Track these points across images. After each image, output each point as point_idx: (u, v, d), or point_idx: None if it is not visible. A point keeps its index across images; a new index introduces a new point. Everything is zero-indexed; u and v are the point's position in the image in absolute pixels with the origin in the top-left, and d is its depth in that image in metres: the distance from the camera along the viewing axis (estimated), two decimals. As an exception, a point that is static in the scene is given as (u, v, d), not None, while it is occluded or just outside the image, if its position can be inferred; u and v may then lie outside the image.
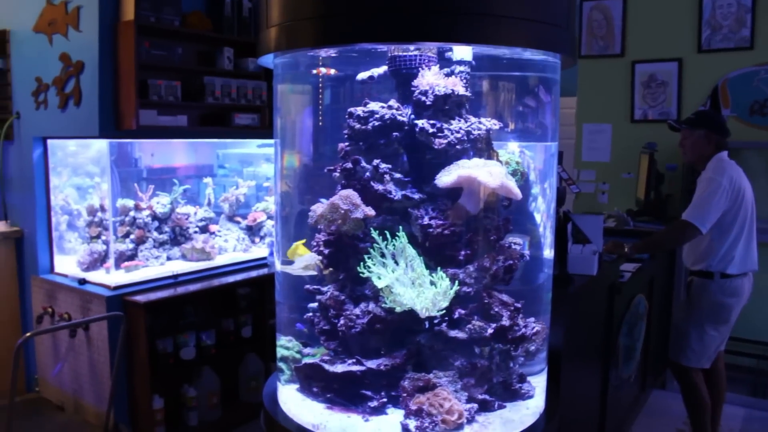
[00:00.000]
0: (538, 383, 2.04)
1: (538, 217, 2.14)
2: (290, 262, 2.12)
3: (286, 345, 2.10)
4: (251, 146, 4.77)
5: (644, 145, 4.89)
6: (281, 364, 2.08)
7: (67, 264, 4.08)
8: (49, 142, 4.06)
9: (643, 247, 3.60)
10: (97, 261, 3.95)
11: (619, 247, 3.48)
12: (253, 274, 4.15)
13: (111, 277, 3.75)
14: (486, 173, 1.82)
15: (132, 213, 4.03)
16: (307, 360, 1.99)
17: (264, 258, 4.40)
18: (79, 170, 4.21)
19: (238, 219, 4.60)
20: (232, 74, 4.20)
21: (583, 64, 5.28)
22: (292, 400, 1.98)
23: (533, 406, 1.96)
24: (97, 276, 3.81)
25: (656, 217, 4.76)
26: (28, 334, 3.27)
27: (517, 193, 1.89)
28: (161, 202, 4.13)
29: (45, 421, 3.67)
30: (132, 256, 3.95)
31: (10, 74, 4.16)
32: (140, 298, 3.54)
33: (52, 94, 3.86)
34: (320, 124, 2.12)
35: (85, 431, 3.52)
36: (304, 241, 2.11)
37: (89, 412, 3.73)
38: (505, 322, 1.87)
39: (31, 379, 4.24)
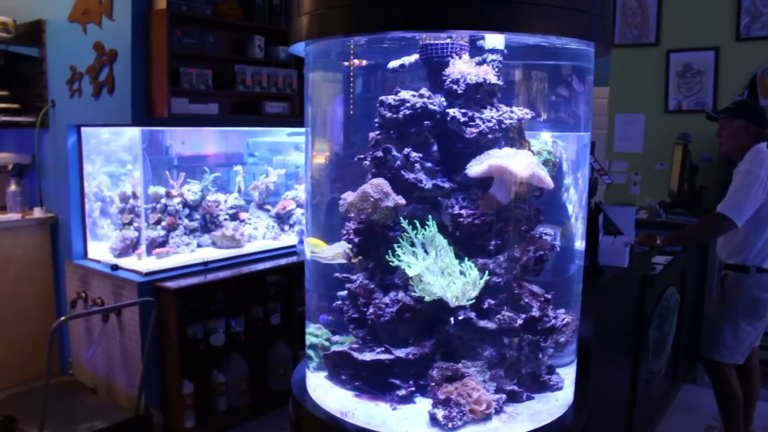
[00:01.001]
0: (567, 375, 2.03)
1: (569, 208, 2.12)
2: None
3: (315, 332, 2.11)
4: (281, 134, 4.79)
5: (678, 136, 4.81)
6: (310, 352, 2.09)
7: (100, 250, 4.15)
8: (83, 129, 4.12)
9: (675, 239, 3.55)
10: (129, 247, 4.00)
11: (651, 239, 3.43)
12: (283, 261, 4.17)
13: (142, 263, 3.81)
14: (517, 163, 1.80)
15: (163, 200, 4.08)
16: (335, 348, 2.00)
17: (293, 246, 4.42)
18: (111, 158, 4.26)
19: (268, 207, 4.63)
20: (262, 62, 4.21)
21: (617, 53, 5.20)
22: (320, 387, 1.99)
23: (562, 398, 1.95)
24: (129, 262, 3.87)
25: (689, 210, 4.68)
26: (62, 318, 3.33)
27: (549, 183, 1.87)
28: (192, 190, 4.17)
29: (78, 403, 3.74)
30: (163, 243, 4.00)
31: (45, 63, 4.22)
32: (171, 284, 3.58)
33: (86, 82, 3.91)
34: (351, 112, 2.12)
35: (116, 414, 3.57)
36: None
37: (121, 395, 3.80)
38: (535, 313, 1.86)
39: (65, 362, 4.33)
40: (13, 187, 4.29)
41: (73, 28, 3.97)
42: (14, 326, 4.11)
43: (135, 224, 4.04)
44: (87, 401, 3.80)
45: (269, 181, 4.60)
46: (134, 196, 4.06)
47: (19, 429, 3.48)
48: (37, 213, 4.27)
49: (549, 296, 1.90)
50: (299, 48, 1.98)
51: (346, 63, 2.03)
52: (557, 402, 1.93)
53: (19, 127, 4.38)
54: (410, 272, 1.81)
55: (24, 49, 4.33)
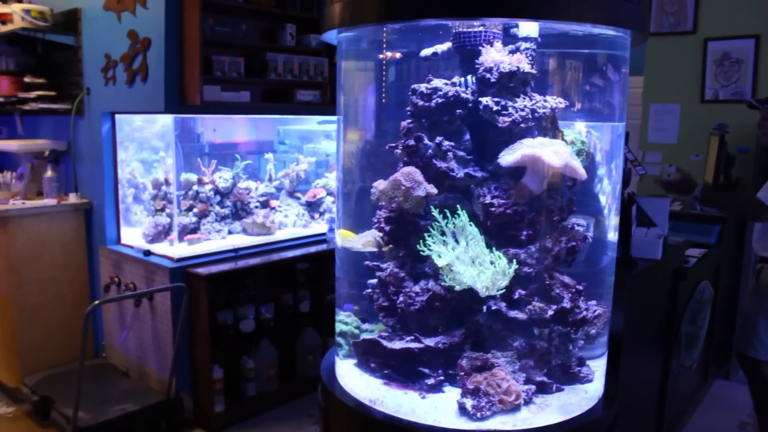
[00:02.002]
0: (598, 367, 2.01)
1: (602, 199, 2.10)
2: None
3: (344, 320, 2.12)
4: (311, 123, 4.81)
5: (714, 127, 4.71)
6: (339, 339, 2.10)
7: (133, 235, 4.21)
8: (117, 116, 4.17)
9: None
10: (162, 233, 4.06)
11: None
12: (312, 249, 4.19)
13: (174, 249, 3.86)
14: (550, 152, 1.78)
15: (195, 187, 4.12)
16: (365, 336, 2.01)
17: (323, 234, 4.44)
18: (144, 144, 4.32)
19: (298, 195, 4.65)
20: (294, 51, 4.22)
21: (652, 41, 5.10)
22: (349, 374, 2.00)
23: (592, 391, 1.93)
24: (161, 248, 3.92)
25: (725, 202, 4.60)
26: (96, 302, 3.40)
27: (582, 173, 1.84)
28: (223, 177, 4.21)
29: (111, 386, 3.81)
30: (195, 230, 4.04)
31: (81, 51, 4.28)
32: (202, 270, 3.62)
33: (120, 70, 3.96)
34: (383, 100, 2.12)
35: (148, 397, 3.64)
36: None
37: (152, 378, 3.86)
38: (566, 304, 1.84)
39: (99, 346, 4.42)
40: (49, 173, 4.37)
41: (107, 17, 4.01)
42: (50, 310, 4.20)
43: (167, 210, 4.09)
44: (119, 384, 3.87)
45: (300, 168, 4.62)
46: (166, 182, 4.11)
47: (55, 409, 3.56)
48: (72, 199, 4.35)
49: (580, 287, 1.89)
50: (331, 36, 1.98)
51: (381, 55, 2.02)
52: (587, 394, 1.91)
53: (55, 114, 4.46)
54: (440, 262, 1.80)
55: (60, 37, 4.39)
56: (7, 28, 4.28)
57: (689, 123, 5.05)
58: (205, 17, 3.64)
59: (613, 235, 2.08)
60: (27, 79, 4.46)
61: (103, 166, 4.17)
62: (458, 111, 1.90)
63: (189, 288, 3.58)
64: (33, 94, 4.39)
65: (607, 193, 2.08)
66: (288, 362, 4.17)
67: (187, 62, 3.68)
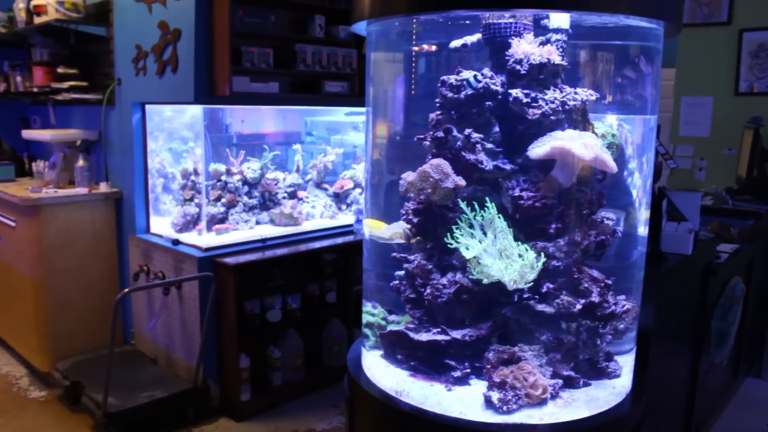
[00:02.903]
0: (626, 363, 1.99)
1: (633, 193, 2.07)
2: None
3: (371, 311, 2.12)
4: (339, 114, 4.81)
5: (749, 120, 4.62)
6: (366, 330, 2.11)
7: (162, 225, 4.26)
8: (147, 107, 4.22)
9: (752, 233, 3.39)
10: (190, 223, 4.10)
11: (725, 229, 3.30)
12: (339, 240, 4.21)
13: (202, 238, 3.90)
14: (580, 145, 1.76)
15: (223, 177, 4.15)
16: (392, 327, 2.01)
17: (350, 225, 4.45)
18: (174, 135, 4.36)
19: (326, 186, 4.66)
20: (323, 42, 4.22)
21: (685, 32, 5.01)
22: (375, 365, 2.01)
23: (619, 386, 1.92)
24: (189, 237, 3.97)
25: (758, 197, 4.51)
26: (125, 290, 3.45)
27: (613, 166, 1.82)
28: (252, 168, 4.24)
29: (139, 373, 3.88)
30: (223, 220, 4.08)
31: (112, 42, 4.33)
32: (230, 260, 3.66)
33: (151, 60, 3.99)
34: (412, 92, 2.11)
35: (175, 384, 3.69)
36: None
37: (180, 366, 3.91)
38: (595, 298, 1.82)
39: (128, 333, 4.48)
40: (81, 163, 4.43)
41: (139, 8, 4.05)
42: (81, 297, 4.27)
43: (196, 200, 4.14)
44: (148, 371, 3.93)
45: (327, 160, 4.63)
46: (195, 172, 4.15)
47: (86, 394, 3.63)
48: (103, 188, 4.41)
49: (609, 282, 1.87)
50: (361, 27, 1.97)
51: (410, 47, 2.01)
52: (615, 389, 1.90)
53: (87, 104, 4.52)
54: (468, 254, 1.80)
55: (93, 28, 4.44)
56: (41, 19, 4.35)
57: (722, 116, 4.96)
58: (234, 8, 3.66)
59: (643, 230, 2.05)
60: (60, 70, 4.52)
61: (133, 155, 4.22)
62: (488, 103, 1.89)
63: (217, 277, 3.61)
64: (65, 85, 4.45)
65: (638, 187, 2.06)
66: (314, 352, 4.20)
67: (216, 53, 3.70)
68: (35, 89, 4.68)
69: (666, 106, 5.32)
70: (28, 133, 4.89)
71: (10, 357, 4.59)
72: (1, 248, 4.58)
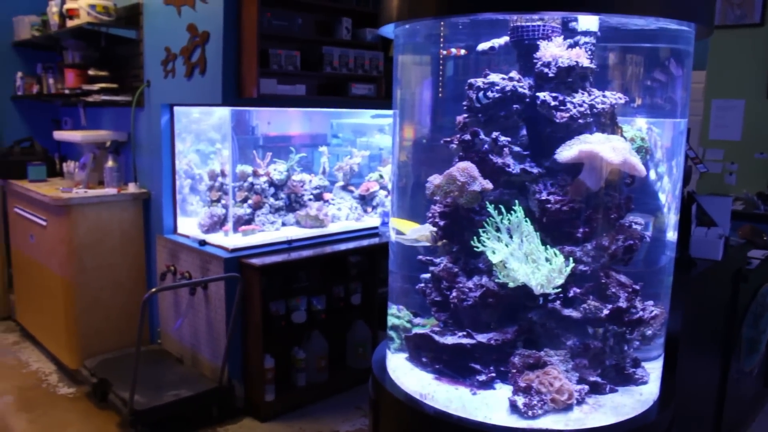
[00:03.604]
0: (653, 369, 1.97)
1: (662, 197, 2.05)
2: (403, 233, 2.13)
3: (397, 314, 2.12)
4: (365, 116, 4.82)
5: (781, 124, 4.55)
6: (391, 333, 2.11)
7: (189, 225, 4.30)
8: (175, 108, 4.27)
9: None
10: (217, 224, 4.14)
11: (756, 234, 3.24)
12: (365, 243, 4.21)
13: (229, 239, 3.93)
14: (609, 149, 1.75)
15: (250, 179, 4.18)
16: (417, 330, 2.01)
17: (375, 228, 4.46)
18: (201, 136, 4.40)
19: (352, 188, 4.67)
20: (350, 44, 4.23)
21: (716, 34, 4.94)
22: (400, 368, 2.01)
23: (647, 393, 1.90)
24: (216, 238, 4.00)
25: (790, 202, 4.43)
26: (153, 290, 3.49)
27: (641, 170, 1.81)
28: (278, 169, 4.26)
29: (166, 371, 3.92)
30: (249, 221, 4.11)
31: (142, 44, 4.39)
32: (256, 261, 3.68)
33: (180, 63, 4.04)
34: (439, 95, 2.11)
35: (200, 383, 3.72)
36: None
37: (205, 366, 3.95)
38: (622, 303, 1.81)
39: (155, 332, 4.54)
40: (110, 163, 4.50)
41: (168, 11, 4.10)
42: (109, 295, 4.33)
43: (222, 202, 4.17)
44: (174, 370, 3.97)
45: (353, 162, 4.64)
46: (222, 174, 4.19)
47: (113, 391, 3.67)
48: (132, 188, 4.47)
49: (637, 287, 1.85)
50: (388, 30, 1.98)
51: (436, 44, 2.01)
52: (642, 396, 1.87)
53: (116, 105, 4.59)
54: (494, 258, 1.79)
55: (123, 31, 4.50)
56: (74, 23, 4.42)
57: (754, 119, 4.88)
58: (263, 11, 3.69)
59: (672, 234, 2.03)
60: (91, 72, 4.59)
61: (161, 156, 4.27)
62: (515, 106, 1.88)
63: (242, 278, 3.64)
64: (96, 87, 4.52)
65: (667, 191, 2.03)
66: (338, 354, 4.21)
67: (244, 56, 3.73)
68: (67, 91, 4.76)
69: (696, 109, 5.25)
70: (59, 134, 4.97)
71: (41, 354, 4.67)
72: (32, 247, 4.66)
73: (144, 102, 4.41)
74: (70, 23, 4.48)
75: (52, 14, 4.70)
